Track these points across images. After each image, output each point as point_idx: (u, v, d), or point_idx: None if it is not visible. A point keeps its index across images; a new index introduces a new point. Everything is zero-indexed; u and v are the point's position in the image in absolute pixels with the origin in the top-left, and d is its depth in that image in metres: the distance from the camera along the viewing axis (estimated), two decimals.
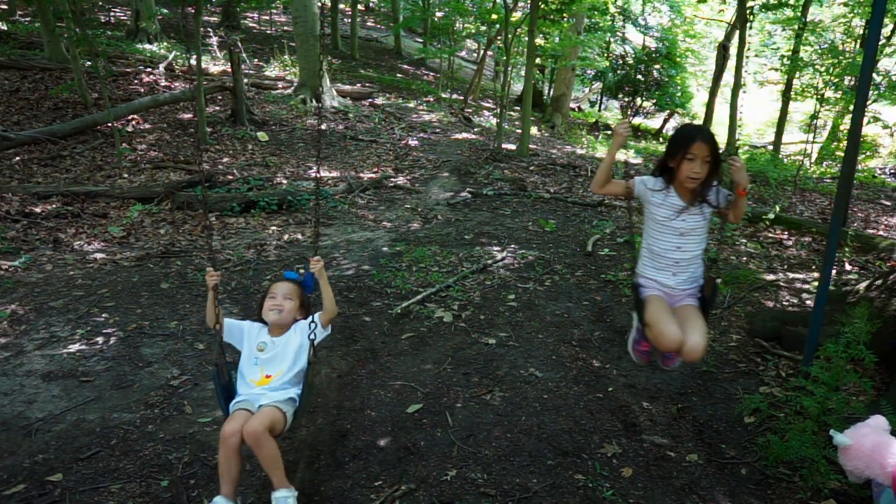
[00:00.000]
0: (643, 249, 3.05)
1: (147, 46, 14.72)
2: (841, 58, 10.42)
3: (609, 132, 18.68)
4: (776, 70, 14.62)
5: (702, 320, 2.92)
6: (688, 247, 2.95)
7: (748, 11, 12.61)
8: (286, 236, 6.83)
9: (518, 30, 13.88)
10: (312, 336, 2.88)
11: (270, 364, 2.95)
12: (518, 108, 17.07)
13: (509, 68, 14.28)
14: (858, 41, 13.45)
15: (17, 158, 8.53)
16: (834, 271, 5.86)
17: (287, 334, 3.01)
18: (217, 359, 2.94)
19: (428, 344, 4.52)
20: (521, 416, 3.65)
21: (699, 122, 16.17)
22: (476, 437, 3.45)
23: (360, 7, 25.01)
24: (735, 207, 2.92)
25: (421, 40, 24.87)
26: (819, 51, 11.87)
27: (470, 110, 16.21)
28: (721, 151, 2.88)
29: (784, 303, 5.46)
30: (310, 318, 2.95)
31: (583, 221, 7.79)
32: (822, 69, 10.59)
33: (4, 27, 14.23)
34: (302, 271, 3.13)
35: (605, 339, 4.68)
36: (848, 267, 6.52)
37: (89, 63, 11.41)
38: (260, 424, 2.62)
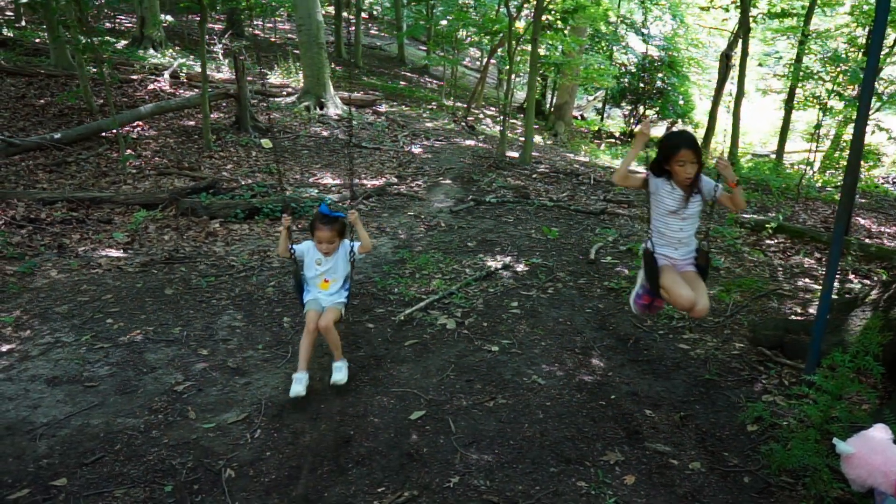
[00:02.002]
0: (653, 231, 3.71)
1: (152, 53, 14.80)
2: (844, 66, 10.43)
3: (611, 140, 18.74)
4: (779, 77, 14.63)
5: (703, 284, 3.68)
6: (687, 228, 3.66)
7: (751, 20, 12.65)
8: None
9: (521, 39, 13.93)
10: (353, 259, 4.04)
11: (328, 273, 4.03)
12: (521, 115, 17.13)
13: (512, 77, 14.33)
14: (861, 50, 13.48)
15: (23, 164, 8.58)
16: (836, 281, 5.86)
17: (336, 254, 4.04)
18: (295, 268, 4.08)
19: (431, 351, 4.53)
20: (523, 424, 3.66)
21: (702, 130, 16.21)
22: (479, 444, 3.46)
23: (363, 15, 25.13)
24: (733, 198, 3.56)
25: (424, 48, 24.99)
26: (822, 59, 11.88)
27: (473, 118, 16.26)
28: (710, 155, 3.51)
29: (787, 311, 5.46)
30: (349, 246, 4.02)
31: (585, 229, 7.80)
32: (826, 78, 10.60)
33: (10, 34, 14.33)
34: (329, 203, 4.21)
35: (607, 346, 4.68)
36: (851, 276, 6.52)
37: (94, 70, 11.48)
38: (330, 321, 3.88)
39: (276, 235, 7.13)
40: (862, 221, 9.23)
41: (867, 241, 7.76)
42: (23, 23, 16.26)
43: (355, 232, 4.05)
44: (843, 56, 11.42)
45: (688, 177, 3.50)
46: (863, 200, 10.66)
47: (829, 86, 10.56)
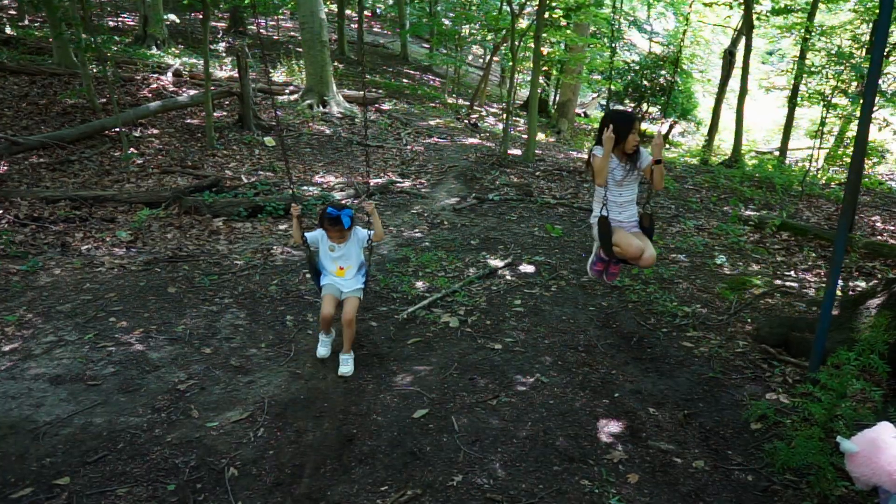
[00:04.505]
0: (600, 199, 4.09)
1: (155, 52, 14.81)
2: (848, 62, 10.38)
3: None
4: (784, 73, 14.55)
5: (649, 240, 4.14)
6: (625, 193, 4.14)
7: (755, 17, 12.60)
8: (292, 241, 6.85)
9: (524, 36, 13.92)
10: (368, 246, 4.31)
11: (341, 260, 4.25)
12: (524, 113, 17.10)
13: (515, 74, 14.30)
14: (865, 48, 13.41)
15: (26, 163, 8.59)
16: (840, 278, 5.83)
17: (349, 241, 4.23)
18: (308, 254, 4.31)
19: (434, 349, 4.52)
20: (526, 422, 3.65)
21: (706, 128, 16.16)
22: (482, 442, 3.45)
23: (366, 13, 25.10)
24: (654, 175, 4.00)
25: (427, 46, 24.96)
26: (827, 54, 11.82)
27: (476, 116, 16.24)
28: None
29: (791, 309, 5.44)
30: (366, 234, 4.26)
31: (589, 227, 7.78)
32: (831, 74, 10.56)
33: (14, 32, 14.35)
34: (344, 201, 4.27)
35: (611, 344, 4.67)
36: (855, 273, 6.50)
37: (97, 68, 11.49)
38: (353, 311, 4.15)
39: (279, 234, 7.14)
40: (866, 219, 9.19)
41: (874, 238, 7.73)
42: (26, 21, 16.28)
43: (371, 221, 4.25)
44: (848, 52, 11.36)
45: (636, 142, 4.00)
46: (867, 198, 10.61)
47: (833, 82, 10.51)
